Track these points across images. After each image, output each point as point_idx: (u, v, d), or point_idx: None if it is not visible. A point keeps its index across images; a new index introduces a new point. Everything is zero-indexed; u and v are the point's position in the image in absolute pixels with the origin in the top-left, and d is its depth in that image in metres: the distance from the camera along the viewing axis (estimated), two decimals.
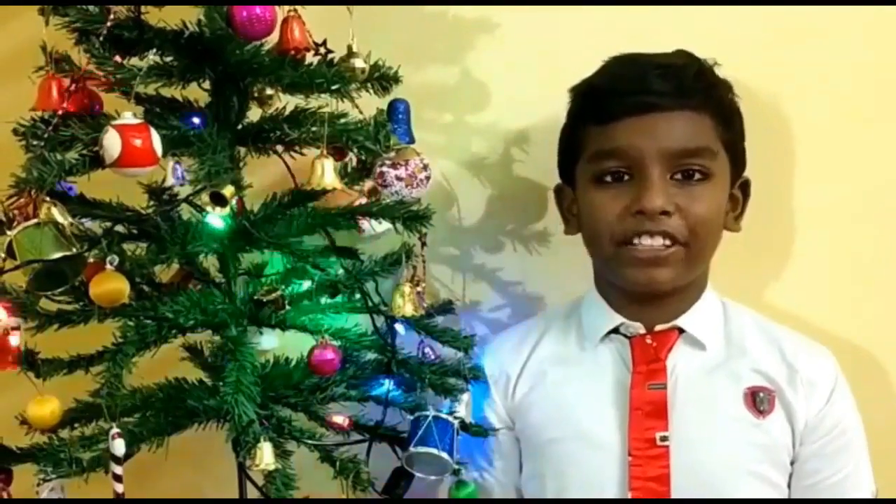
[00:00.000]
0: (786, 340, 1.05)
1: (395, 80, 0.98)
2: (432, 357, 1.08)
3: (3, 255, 0.82)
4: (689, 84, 0.99)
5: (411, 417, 1.02)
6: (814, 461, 1.02)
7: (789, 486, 1.03)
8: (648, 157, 0.97)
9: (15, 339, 0.92)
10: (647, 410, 1.00)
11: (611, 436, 1.01)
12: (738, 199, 1.06)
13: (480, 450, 1.10)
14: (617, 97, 0.99)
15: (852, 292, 1.20)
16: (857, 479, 1.03)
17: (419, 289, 1.02)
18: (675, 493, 0.98)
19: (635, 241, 0.98)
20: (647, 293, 1.02)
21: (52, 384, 0.97)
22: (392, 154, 0.95)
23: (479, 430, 1.06)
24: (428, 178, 0.97)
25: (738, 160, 1.04)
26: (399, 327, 1.04)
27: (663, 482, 0.98)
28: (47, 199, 0.82)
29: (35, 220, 0.81)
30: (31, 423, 0.91)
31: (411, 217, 0.98)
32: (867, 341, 1.20)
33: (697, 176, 0.99)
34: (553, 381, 1.07)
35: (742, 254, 1.11)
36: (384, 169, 0.95)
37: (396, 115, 1.01)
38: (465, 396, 1.06)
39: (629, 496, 0.99)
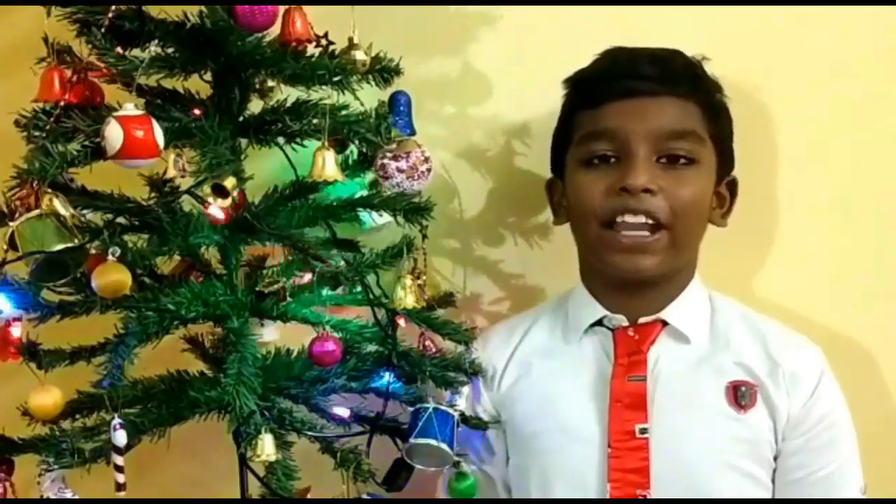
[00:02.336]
0: (771, 334, 1.05)
1: (397, 72, 0.98)
2: (433, 350, 1.08)
3: (5, 247, 0.82)
4: (678, 72, 1.01)
5: (412, 409, 1.02)
6: (799, 456, 1.02)
7: (773, 481, 1.03)
8: (635, 139, 0.99)
9: (16, 331, 0.92)
10: (627, 402, 1.01)
11: (592, 428, 1.02)
12: (726, 198, 1.07)
13: (471, 444, 1.10)
14: (606, 81, 1.01)
15: (840, 285, 1.21)
16: (845, 475, 1.03)
17: (420, 281, 1.03)
18: (655, 486, 0.99)
19: (619, 219, 0.99)
20: (631, 281, 1.03)
21: (52, 375, 0.97)
22: (393, 146, 0.95)
23: (478, 423, 1.07)
24: (429, 170, 0.97)
25: (725, 157, 1.05)
26: (400, 320, 1.04)
27: (643, 474, 0.99)
28: (49, 190, 0.83)
29: (37, 212, 0.82)
30: (34, 413, 0.91)
31: (412, 209, 0.99)
32: (856, 334, 1.20)
33: (683, 160, 1.00)
34: (538, 373, 1.08)
35: (730, 246, 1.12)
36: (385, 161, 0.95)
37: (398, 107, 1.01)
38: (465, 389, 1.06)
39: (608, 488, 0.99)
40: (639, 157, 0.98)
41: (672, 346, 1.04)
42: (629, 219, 0.99)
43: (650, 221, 0.99)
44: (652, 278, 1.02)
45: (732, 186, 1.08)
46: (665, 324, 1.04)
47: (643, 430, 0.99)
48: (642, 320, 1.04)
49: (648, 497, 0.98)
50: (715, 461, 1.00)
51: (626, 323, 1.05)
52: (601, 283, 1.06)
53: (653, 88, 0.99)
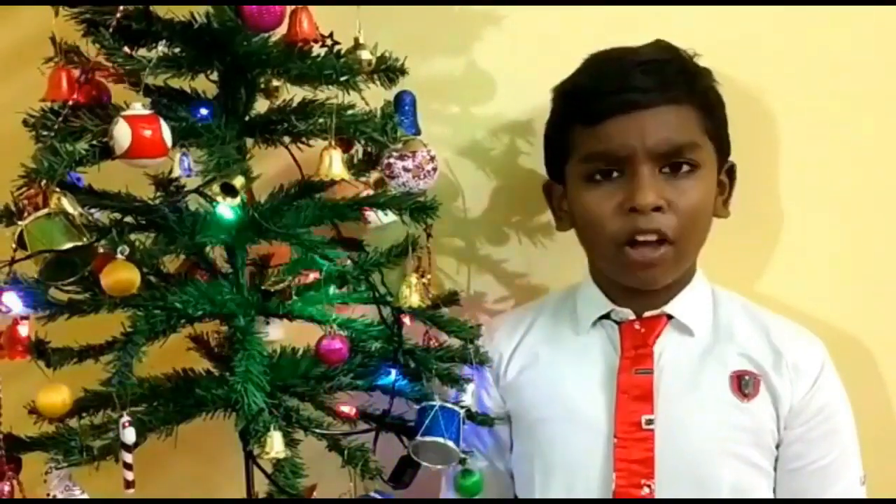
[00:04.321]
0: (773, 325, 1.07)
1: (402, 72, 0.98)
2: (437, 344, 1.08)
3: (13, 246, 0.82)
4: (672, 78, 1.00)
5: (418, 407, 1.02)
6: (799, 445, 1.03)
7: (775, 469, 1.04)
8: (638, 155, 0.99)
9: (24, 329, 0.93)
10: (634, 394, 1.02)
11: (598, 417, 1.03)
12: (726, 184, 1.08)
13: (476, 434, 1.10)
14: (602, 97, 1.00)
15: (841, 280, 1.21)
16: (844, 465, 1.05)
17: (425, 280, 1.03)
18: (660, 476, 1.00)
19: (631, 239, 1.00)
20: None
21: (58, 374, 0.97)
22: (399, 145, 0.95)
23: (484, 420, 1.07)
24: (435, 169, 0.97)
25: (723, 147, 1.06)
26: (405, 318, 1.04)
27: (647, 465, 1.00)
28: (57, 189, 0.83)
29: (45, 211, 0.82)
30: (42, 411, 0.92)
31: (418, 208, 0.99)
32: (856, 329, 1.21)
33: (685, 168, 1.01)
34: (545, 362, 1.09)
35: (732, 242, 1.12)
36: (391, 160, 0.96)
37: (403, 106, 1.01)
38: (471, 386, 1.07)
39: (614, 478, 1.00)
40: (644, 175, 0.98)
41: (677, 339, 1.05)
42: (640, 238, 0.99)
43: (660, 240, 1.00)
44: (662, 286, 1.04)
45: (731, 172, 1.08)
46: (670, 317, 1.06)
47: (649, 422, 1.00)
48: (648, 314, 1.05)
49: (653, 487, 0.99)
50: (718, 449, 1.01)
51: (632, 316, 1.06)
52: (609, 279, 1.07)
53: (650, 100, 0.98)
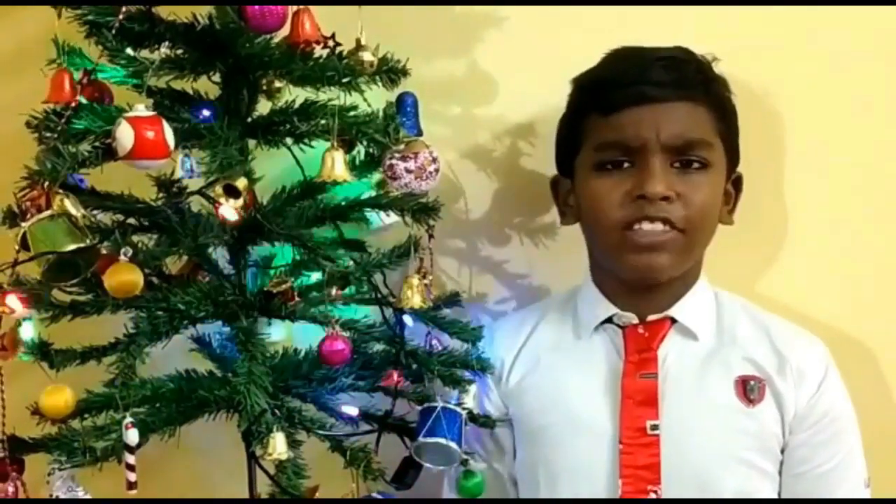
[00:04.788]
0: (776, 329, 1.07)
1: (404, 73, 0.99)
2: (439, 349, 1.09)
3: (17, 247, 0.82)
4: (690, 76, 1.01)
5: (420, 408, 1.02)
6: (804, 449, 1.03)
7: (780, 473, 1.04)
8: (651, 147, 0.99)
9: (27, 330, 0.93)
10: (639, 399, 1.02)
11: (603, 423, 1.02)
12: (731, 194, 1.09)
13: (477, 437, 1.10)
14: (620, 88, 1.01)
15: (844, 282, 1.22)
16: (849, 468, 1.05)
17: (427, 281, 1.03)
18: (666, 481, 0.99)
19: (636, 226, 1.00)
20: (643, 281, 1.04)
21: (60, 375, 0.97)
22: (401, 146, 0.95)
23: (486, 421, 1.07)
24: (437, 170, 0.97)
25: (733, 153, 1.06)
26: (407, 319, 1.05)
27: (654, 470, 1.00)
28: (60, 191, 0.83)
29: (48, 212, 0.82)
30: (45, 413, 0.92)
31: (420, 209, 0.99)
32: (859, 331, 1.21)
33: (696, 165, 1.01)
34: (547, 367, 1.08)
35: (735, 245, 1.12)
36: (394, 161, 0.96)
37: (405, 108, 1.02)
38: (473, 388, 1.07)
39: (619, 484, 1.00)
40: (655, 166, 0.99)
41: (681, 343, 1.05)
42: (646, 226, 1.00)
43: (666, 228, 1.00)
44: (663, 278, 1.03)
45: (737, 183, 1.09)
46: (673, 321, 1.05)
47: (654, 427, 1.00)
48: (651, 318, 1.05)
49: (660, 493, 0.99)
50: (724, 455, 1.01)
51: (636, 321, 1.05)
52: (612, 281, 1.07)
53: (666, 94, 0.99)
